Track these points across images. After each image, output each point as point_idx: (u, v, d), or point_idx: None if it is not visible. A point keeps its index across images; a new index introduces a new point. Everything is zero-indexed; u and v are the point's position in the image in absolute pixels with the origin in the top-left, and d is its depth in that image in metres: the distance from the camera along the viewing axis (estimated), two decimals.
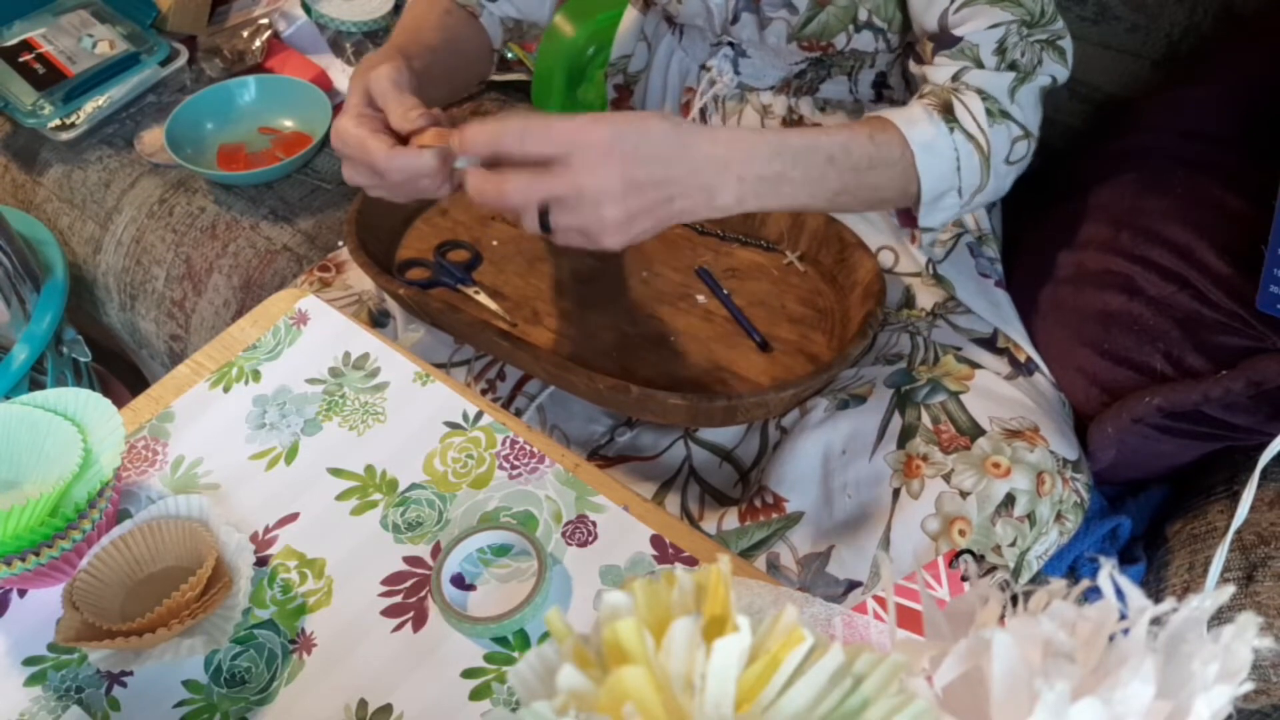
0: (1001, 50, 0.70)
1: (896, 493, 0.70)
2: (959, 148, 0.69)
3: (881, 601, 0.51)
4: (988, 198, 0.73)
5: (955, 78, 0.71)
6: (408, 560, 0.59)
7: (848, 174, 0.66)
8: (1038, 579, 0.72)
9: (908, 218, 0.74)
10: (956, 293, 0.84)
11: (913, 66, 0.77)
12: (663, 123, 0.59)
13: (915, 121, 0.68)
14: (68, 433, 0.58)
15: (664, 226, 0.61)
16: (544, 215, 0.60)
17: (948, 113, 0.69)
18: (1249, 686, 0.27)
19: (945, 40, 0.72)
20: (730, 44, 0.86)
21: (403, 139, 0.64)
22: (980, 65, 0.71)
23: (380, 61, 0.68)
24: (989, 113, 0.69)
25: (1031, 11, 0.71)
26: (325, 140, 1.16)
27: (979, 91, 0.70)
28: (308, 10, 1.29)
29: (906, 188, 0.69)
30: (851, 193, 0.67)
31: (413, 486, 0.63)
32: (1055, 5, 0.73)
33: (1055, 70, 0.73)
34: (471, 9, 0.86)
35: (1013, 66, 0.71)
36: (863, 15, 0.76)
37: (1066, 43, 0.73)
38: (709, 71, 0.89)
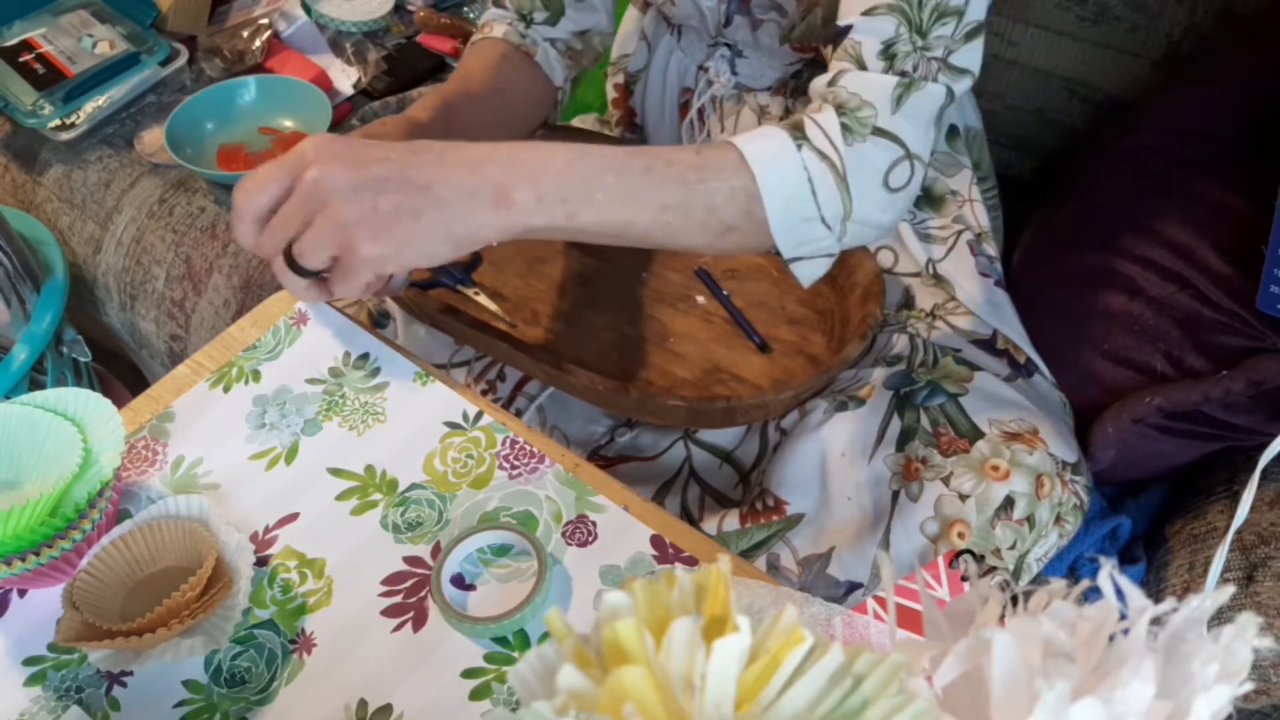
0: (889, 56, 0.64)
1: (896, 495, 0.70)
2: (809, 166, 0.62)
3: (881, 602, 0.51)
4: (872, 232, 0.66)
5: (832, 82, 0.65)
6: (408, 560, 0.59)
7: (671, 186, 0.60)
8: (1038, 580, 0.72)
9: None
10: (956, 293, 0.84)
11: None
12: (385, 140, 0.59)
13: (755, 138, 0.63)
14: (68, 433, 0.58)
15: (450, 234, 0.57)
16: (290, 258, 0.58)
17: (796, 130, 0.63)
18: (1249, 686, 0.27)
19: (838, 34, 0.67)
20: (727, 45, 0.86)
21: None
22: (863, 67, 0.64)
23: (408, 117, 0.70)
24: (846, 129, 0.63)
25: (912, 20, 0.64)
26: None
27: (839, 107, 0.64)
28: (308, 10, 1.29)
29: (750, 209, 0.62)
30: (683, 209, 0.61)
31: (413, 486, 0.63)
32: (954, 17, 0.64)
33: (953, 82, 0.66)
34: (527, 49, 0.85)
35: (901, 75, 0.64)
36: None
37: (966, 53, 0.66)
38: (706, 72, 0.89)
